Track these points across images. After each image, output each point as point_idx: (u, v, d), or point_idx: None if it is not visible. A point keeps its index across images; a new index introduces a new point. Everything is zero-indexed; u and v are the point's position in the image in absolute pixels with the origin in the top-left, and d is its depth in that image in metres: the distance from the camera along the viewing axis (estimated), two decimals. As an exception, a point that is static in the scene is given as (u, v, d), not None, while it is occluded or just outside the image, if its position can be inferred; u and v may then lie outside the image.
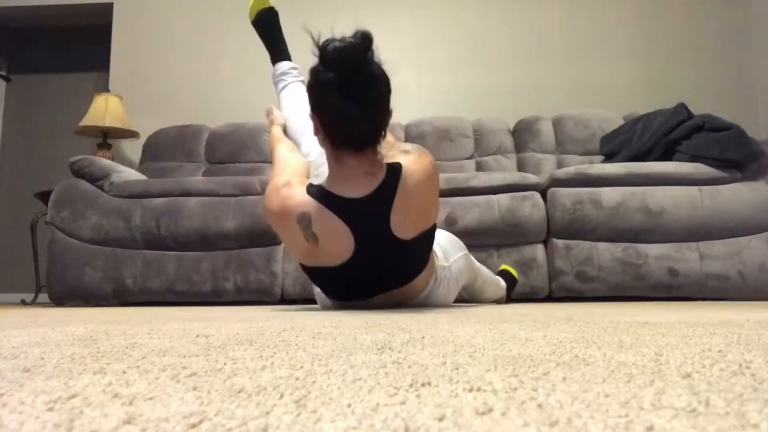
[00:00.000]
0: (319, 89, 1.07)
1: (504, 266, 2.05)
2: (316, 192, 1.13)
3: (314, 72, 1.07)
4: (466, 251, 1.50)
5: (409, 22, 3.47)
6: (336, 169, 1.14)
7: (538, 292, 2.13)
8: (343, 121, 1.07)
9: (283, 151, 1.40)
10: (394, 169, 1.12)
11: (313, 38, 1.05)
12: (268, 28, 2.04)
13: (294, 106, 1.71)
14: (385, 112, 1.11)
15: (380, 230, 1.10)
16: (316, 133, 1.12)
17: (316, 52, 1.05)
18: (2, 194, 4.18)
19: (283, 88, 1.89)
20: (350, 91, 1.03)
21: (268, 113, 1.75)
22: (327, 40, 1.04)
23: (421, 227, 1.14)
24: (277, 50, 2.01)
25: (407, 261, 1.18)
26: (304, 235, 1.12)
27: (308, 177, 1.28)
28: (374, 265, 1.14)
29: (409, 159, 1.15)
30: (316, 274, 1.21)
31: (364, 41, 1.03)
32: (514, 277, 1.99)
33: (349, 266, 1.13)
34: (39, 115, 4.26)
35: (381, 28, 3.46)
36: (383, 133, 1.12)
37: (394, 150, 1.20)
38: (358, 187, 1.11)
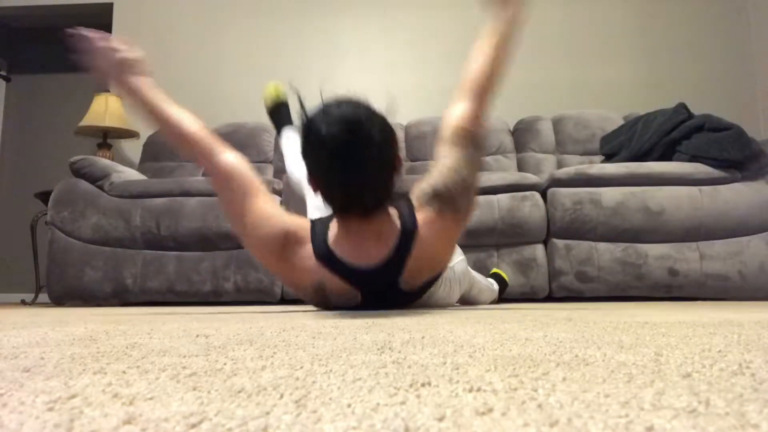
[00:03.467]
0: (312, 155, 0.97)
1: (495, 270, 2.06)
2: (324, 256, 1.04)
3: (305, 135, 0.96)
4: (464, 257, 1.50)
5: (408, 22, 3.47)
6: (342, 231, 1.04)
7: (538, 292, 2.13)
8: (344, 191, 0.98)
9: (217, 152, 1.17)
10: (408, 233, 1.03)
11: (301, 104, 0.98)
12: (281, 116, 2.08)
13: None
14: (390, 174, 1.00)
15: (389, 287, 1.07)
16: (315, 192, 1.01)
17: (303, 120, 0.96)
18: (2, 194, 4.18)
19: (287, 139, 1.90)
20: (348, 160, 0.93)
21: (116, 75, 1.17)
22: (310, 122, 0.95)
23: (430, 276, 1.11)
24: (284, 124, 2.06)
25: (413, 299, 1.16)
26: (315, 294, 1.09)
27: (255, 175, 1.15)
28: (380, 307, 1.14)
29: (428, 217, 1.05)
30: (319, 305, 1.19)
31: (350, 124, 0.93)
32: (504, 280, 2.01)
33: (354, 308, 1.13)
34: (39, 115, 4.26)
35: (381, 28, 3.46)
36: (391, 193, 1.03)
37: (419, 195, 1.08)
38: (368, 255, 1.03)
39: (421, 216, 1.05)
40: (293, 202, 2.20)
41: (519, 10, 1.26)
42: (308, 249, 1.05)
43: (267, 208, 1.09)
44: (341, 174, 0.95)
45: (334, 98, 1.00)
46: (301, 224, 1.09)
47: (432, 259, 1.09)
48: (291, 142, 1.91)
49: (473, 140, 1.12)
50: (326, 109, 0.96)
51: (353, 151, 0.93)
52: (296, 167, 1.62)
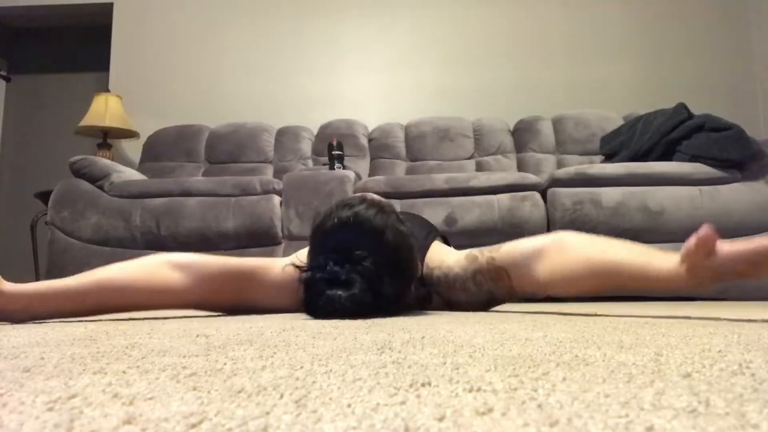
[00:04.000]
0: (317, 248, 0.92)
1: None
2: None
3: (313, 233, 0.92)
4: None
5: (409, 22, 3.47)
6: None
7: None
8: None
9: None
10: None
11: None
12: None
13: None
14: (404, 285, 0.93)
15: None
16: None
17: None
18: (2, 194, 4.18)
19: None
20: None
21: None
22: (320, 267, 0.87)
23: None
24: None
25: None
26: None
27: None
28: None
29: (442, 272, 1.03)
30: None
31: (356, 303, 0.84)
32: None
33: None
34: (39, 115, 4.26)
35: (381, 28, 3.46)
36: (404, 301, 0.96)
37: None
38: None
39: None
40: (293, 201, 2.20)
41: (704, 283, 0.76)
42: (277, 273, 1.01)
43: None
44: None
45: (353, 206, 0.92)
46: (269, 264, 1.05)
47: None
48: None
49: (511, 294, 1.03)
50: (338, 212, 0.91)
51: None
52: None
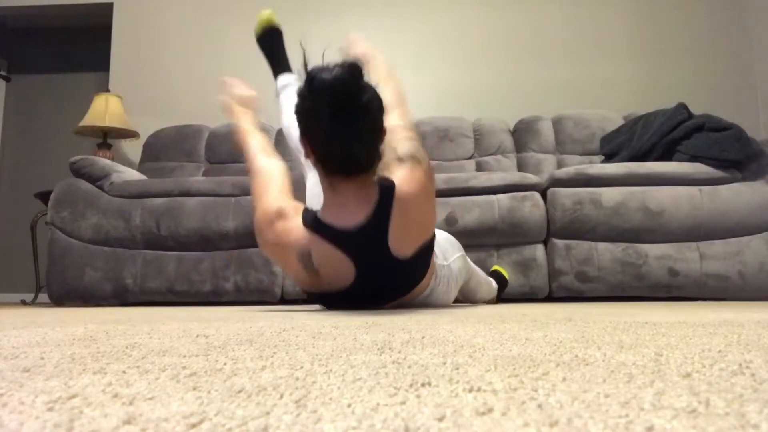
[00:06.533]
0: (307, 115, 1.03)
1: (495, 267, 2.06)
2: (312, 223, 1.09)
3: (302, 97, 1.03)
4: (463, 252, 1.50)
5: (409, 22, 3.47)
6: (329, 196, 1.10)
7: (538, 292, 2.13)
8: (335, 149, 1.03)
9: (260, 157, 1.27)
10: (387, 189, 1.08)
11: (304, 58, 1.02)
12: (272, 45, 2.03)
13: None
14: (378, 138, 1.07)
15: (379, 253, 1.09)
16: (307, 156, 1.08)
17: (303, 75, 1.01)
18: (2, 194, 4.18)
19: (285, 99, 1.88)
20: (340, 120, 0.99)
21: (227, 104, 1.50)
22: (314, 70, 1.00)
23: (419, 241, 1.13)
24: (279, 65, 1.99)
25: (408, 276, 1.17)
26: (305, 268, 1.12)
27: (289, 185, 1.23)
28: (376, 286, 1.14)
29: (402, 174, 1.11)
30: (318, 297, 1.21)
31: (352, 75, 0.99)
32: (505, 278, 2.01)
33: (350, 290, 1.13)
34: (39, 115, 4.26)
35: (381, 28, 3.46)
36: (378, 157, 1.09)
37: (391, 159, 1.15)
38: (353, 214, 1.07)
39: (395, 175, 1.11)
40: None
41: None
42: (297, 221, 1.11)
43: (271, 191, 1.17)
44: (334, 129, 1.00)
45: (335, 61, 1.03)
46: (294, 205, 1.15)
47: (417, 221, 1.12)
48: (289, 94, 1.89)
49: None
50: (329, 66, 0.99)
51: (353, 106, 0.99)
52: (293, 124, 1.66)
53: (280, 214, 1.12)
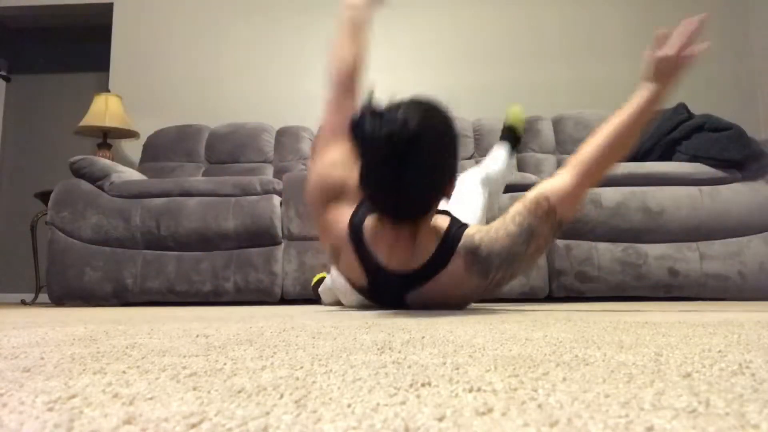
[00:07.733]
0: (360, 142, 0.90)
1: (507, 122, 2.01)
2: (356, 234, 1.03)
3: (358, 132, 0.90)
4: (480, 215, 1.51)
5: (409, 22, 3.47)
6: (379, 227, 1.01)
7: (538, 292, 2.12)
8: (386, 191, 0.91)
9: (342, 82, 1.16)
10: (433, 266, 0.98)
11: (369, 100, 0.91)
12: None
13: None
14: (442, 181, 0.95)
15: (394, 295, 1.08)
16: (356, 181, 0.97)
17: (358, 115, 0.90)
18: (2, 194, 4.18)
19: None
20: (398, 160, 0.87)
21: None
22: (366, 117, 0.88)
23: (434, 305, 1.07)
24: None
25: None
26: (330, 257, 1.13)
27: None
28: (381, 300, 1.14)
29: (456, 265, 0.99)
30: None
31: (417, 126, 0.86)
32: (516, 136, 1.99)
33: (366, 288, 1.13)
34: (39, 115, 4.26)
35: (381, 28, 3.46)
36: (437, 203, 0.97)
37: (465, 240, 1.01)
38: (397, 258, 1.00)
39: (453, 261, 1.00)
40: (293, 201, 2.20)
41: (672, 84, 1.11)
42: (347, 215, 1.07)
43: (342, 158, 1.11)
44: (388, 169, 0.89)
45: (400, 99, 0.94)
46: (356, 189, 1.10)
47: (443, 300, 1.06)
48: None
49: (552, 221, 1.04)
50: (387, 109, 0.90)
51: (402, 157, 0.88)
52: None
53: (343, 190, 1.08)
